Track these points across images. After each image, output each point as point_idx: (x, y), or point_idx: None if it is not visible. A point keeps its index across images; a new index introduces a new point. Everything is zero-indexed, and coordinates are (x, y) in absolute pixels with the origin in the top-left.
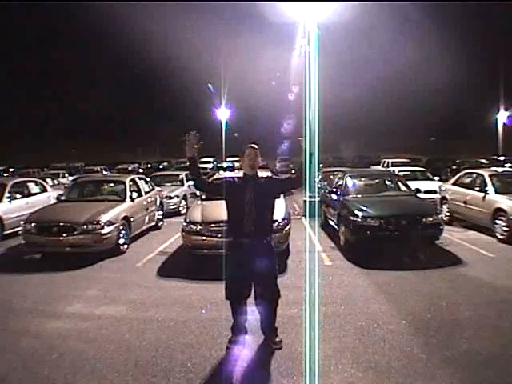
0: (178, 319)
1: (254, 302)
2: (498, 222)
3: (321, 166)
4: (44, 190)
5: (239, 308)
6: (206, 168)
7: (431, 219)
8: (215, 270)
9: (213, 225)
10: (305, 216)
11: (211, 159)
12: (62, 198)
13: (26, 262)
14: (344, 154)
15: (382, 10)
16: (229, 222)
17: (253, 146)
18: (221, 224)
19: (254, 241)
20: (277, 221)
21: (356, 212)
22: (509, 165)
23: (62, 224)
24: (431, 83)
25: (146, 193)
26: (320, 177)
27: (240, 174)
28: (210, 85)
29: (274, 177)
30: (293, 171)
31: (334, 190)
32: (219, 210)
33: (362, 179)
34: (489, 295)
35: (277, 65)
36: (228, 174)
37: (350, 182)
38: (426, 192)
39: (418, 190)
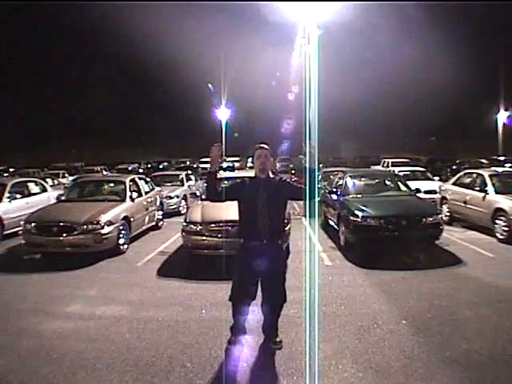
0: (178, 319)
1: (261, 302)
2: (497, 221)
3: (321, 166)
4: (44, 190)
5: (241, 309)
6: (205, 168)
7: (431, 219)
8: (215, 270)
9: (213, 225)
10: (305, 216)
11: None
12: (62, 197)
13: (26, 261)
14: (344, 154)
15: (381, 10)
16: (241, 224)
17: (262, 146)
18: (221, 224)
19: (266, 243)
20: None
21: (356, 212)
22: (509, 165)
23: (61, 224)
24: (431, 83)
25: (146, 193)
26: (320, 177)
27: (240, 174)
28: (210, 85)
29: (287, 180)
30: (293, 171)
31: (334, 189)
32: (219, 210)
33: (362, 179)
34: (489, 295)
35: (277, 65)
36: (228, 174)
37: (350, 182)
38: (426, 192)
39: (417, 190)
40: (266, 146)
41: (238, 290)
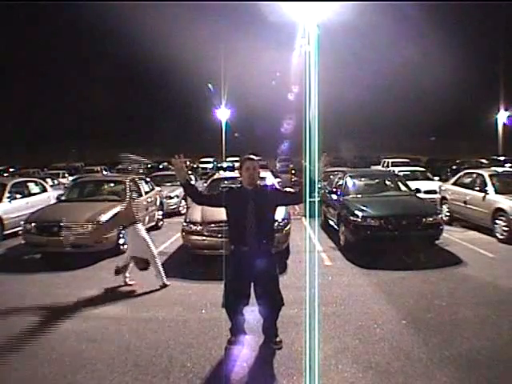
0: (178, 319)
1: (257, 304)
2: (497, 221)
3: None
4: (44, 190)
5: (236, 314)
6: (205, 168)
7: (431, 219)
8: (215, 269)
9: (213, 225)
10: (305, 216)
11: (211, 159)
12: (62, 197)
13: (26, 261)
14: (344, 154)
15: (381, 9)
16: (230, 231)
17: (251, 157)
18: (221, 224)
19: (255, 249)
20: (277, 221)
21: (356, 212)
22: (509, 165)
23: (62, 224)
24: (431, 83)
25: (146, 193)
26: (320, 177)
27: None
28: (210, 85)
29: (276, 188)
30: (293, 171)
31: (334, 189)
32: (219, 210)
33: (362, 179)
34: (489, 295)
35: (277, 64)
36: (228, 174)
37: (349, 182)
38: (426, 192)
39: (417, 190)
40: (254, 157)
41: (229, 296)
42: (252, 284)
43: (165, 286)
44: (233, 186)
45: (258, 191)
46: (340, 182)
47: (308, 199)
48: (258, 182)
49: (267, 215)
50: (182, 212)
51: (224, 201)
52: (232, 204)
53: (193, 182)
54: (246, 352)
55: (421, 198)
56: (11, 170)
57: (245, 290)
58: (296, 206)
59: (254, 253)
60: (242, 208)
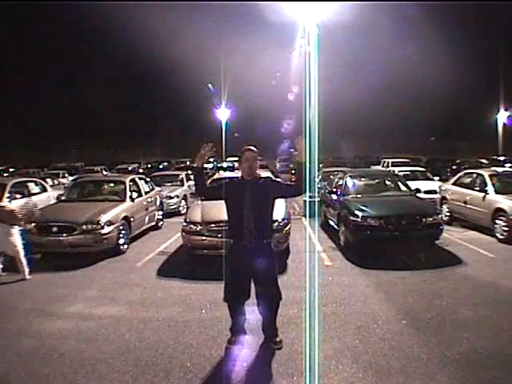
0: (178, 319)
1: (256, 302)
2: (497, 221)
3: (321, 165)
4: (44, 189)
5: (237, 310)
6: (206, 168)
7: (431, 219)
8: (215, 270)
9: (213, 225)
10: (305, 216)
11: (211, 159)
12: (62, 197)
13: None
14: (344, 154)
15: (381, 9)
16: (229, 224)
17: (251, 148)
18: (221, 224)
19: (254, 243)
20: (277, 221)
21: (356, 212)
22: (509, 165)
23: (61, 224)
24: (431, 83)
25: (146, 193)
26: (320, 177)
27: (239, 173)
28: (210, 85)
29: (274, 179)
30: (293, 171)
31: (334, 189)
32: (219, 210)
33: (362, 179)
34: (489, 295)
35: (277, 64)
36: (228, 174)
37: (349, 182)
38: (426, 192)
39: (417, 190)
40: (253, 149)
41: (230, 289)
42: (252, 278)
43: (24, 279)
44: (233, 177)
45: (256, 182)
46: (340, 182)
47: (308, 199)
48: (257, 172)
49: (265, 205)
50: (182, 212)
51: (224, 193)
52: (231, 194)
53: (192, 183)
54: (245, 352)
55: (421, 198)
56: (11, 169)
57: (245, 283)
58: (296, 206)
59: (253, 244)
60: (239, 198)
